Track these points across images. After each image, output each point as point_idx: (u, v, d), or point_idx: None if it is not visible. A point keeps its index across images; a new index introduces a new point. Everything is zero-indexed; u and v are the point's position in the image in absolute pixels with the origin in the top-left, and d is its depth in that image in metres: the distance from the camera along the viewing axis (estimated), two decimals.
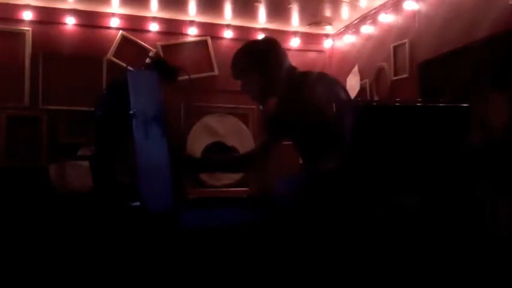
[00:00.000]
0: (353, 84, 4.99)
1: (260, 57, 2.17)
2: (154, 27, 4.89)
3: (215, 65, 5.02)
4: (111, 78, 4.47)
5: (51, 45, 4.54)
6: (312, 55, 5.53)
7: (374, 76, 4.73)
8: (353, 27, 5.11)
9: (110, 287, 1.97)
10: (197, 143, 4.66)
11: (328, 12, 4.94)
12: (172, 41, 4.97)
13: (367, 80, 4.82)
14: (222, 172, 2.50)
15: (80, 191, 3.76)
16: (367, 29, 4.88)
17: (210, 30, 5.10)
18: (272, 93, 2.25)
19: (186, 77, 4.31)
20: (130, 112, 1.65)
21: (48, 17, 4.57)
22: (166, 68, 3.83)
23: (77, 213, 3.46)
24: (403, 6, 4.38)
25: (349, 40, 5.23)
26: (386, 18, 4.60)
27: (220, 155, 2.53)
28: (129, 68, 4.37)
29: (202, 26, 5.04)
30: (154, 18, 4.87)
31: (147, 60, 4.27)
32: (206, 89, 4.81)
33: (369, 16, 4.83)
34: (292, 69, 2.23)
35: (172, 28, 4.97)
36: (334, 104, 2.12)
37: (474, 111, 1.75)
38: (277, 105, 2.27)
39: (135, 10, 4.78)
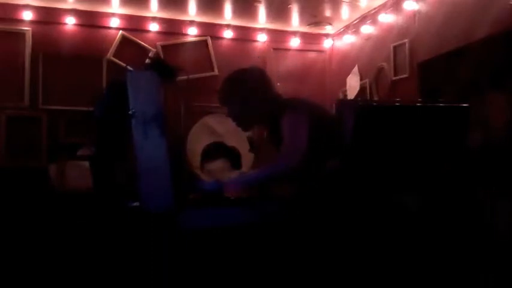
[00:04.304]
0: (353, 84, 5.00)
1: (241, 88, 2.26)
2: (154, 27, 4.89)
3: (215, 65, 5.03)
4: (111, 78, 4.47)
5: (51, 45, 4.54)
6: (312, 55, 5.53)
7: (374, 76, 4.73)
8: (353, 27, 5.11)
9: (109, 286, 1.97)
10: (197, 143, 4.66)
11: (328, 12, 4.94)
12: (172, 41, 4.97)
13: (367, 80, 4.82)
14: None
15: (80, 191, 3.76)
16: (367, 29, 4.88)
17: (210, 30, 5.10)
18: (254, 121, 2.35)
19: (186, 77, 4.34)
20: (130, 112, 1.65)
21: (48, 17, 4.58)
22: (166, 68, 3.85)
23: (76, 213, 3.47)
24: (403, 6, 4.38)
25: (349, 40, 5.23)
26: (387, 18, 4.60)
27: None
28: (128, 68, 4.38)
29: (202, 26, 5.05)
30: (154, 18, 4.88)
31: (147, 61, 4.30)
32: (206, 89, 4.81)
33: (369, 16, 4.83)
34: (276, 97, 2.27)
35: (172, 28, 4.97)
36: (334, 105, 2.14)
37: (474, 111, 1.74)
38: (267, 134, 2.34)
39: (135, 10, 4.78)
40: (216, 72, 5.01)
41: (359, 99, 4.76)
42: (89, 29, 4.72)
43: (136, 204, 1.85)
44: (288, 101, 2.25)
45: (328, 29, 5.39)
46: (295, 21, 5.15)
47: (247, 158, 4.61)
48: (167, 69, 3.81)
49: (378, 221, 1.70)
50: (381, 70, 4.66)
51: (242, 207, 1.85)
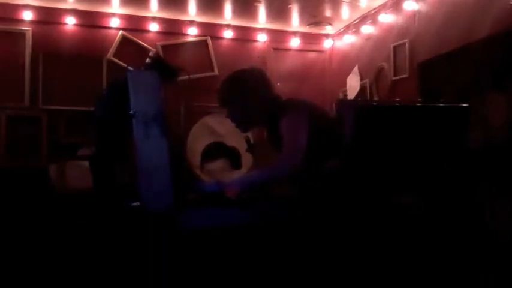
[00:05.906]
0: (353, 84, 5.00)
1: (241, 89, 2.25)
2: (154, 27, 4.89)
3: (215, 65, 5.03)
4: (111, 78, 4.47)
5: (51, 45, 4.54)
6: (312, 55, 5.54)
7: (374, 76, 4.73)
8: (353, 27, 5.11)
9: (109, 286, 1.97)
10: (197, 143, 4.66)
11: (328, 12, 4.95)
12: (172, 41, 4.97)
13: (367, 80, 4.83)
14: None
15: (80, 191, 3.76)
16: (367, 29, 4.88)
17: (210, 30, 5.10)
18: (253, 122, 2.34)
19: (186, 77, 4.34)
20: (130, 112, 1.65)
21: (48, 17, 4.58)
22: (166, 68, 3.85)
23: (76, 213, 3.47)
24: (403, 6, 4.38)
25: (349, 40, 5.23)
26: (387, 18, 4.61)
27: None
28: (129, 68, 4.38)
29: (202, 26, 5.05)
30: (154, 18, 4.88)
31: (147, 60, 4.30)
32: (206, 89, 4.81)
33: (369, 16, 4.83)
34: (276, 98, 2.27)
35: (172, 28, 4.97)
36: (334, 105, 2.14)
37: (474, 111, 1.74)
38: (267, 134, 2.34)
39: (135, 10, 4.78)
40: (216, 72, 5.01)
41: (359, 99, 4.76)
42: (89, 29, 4.72)
43: (136, 204, 1.85)
44: (287, 102, 2.25)
45: (328, 29, 5.39)
46: (295, 21, 5.15)
47: (247, 158, 4.61)
48: (168, 69, 3.81)
49: (377, 221, 1.70)
50: (381, 70, 4.66)
51: (242, 207, 1.86)
